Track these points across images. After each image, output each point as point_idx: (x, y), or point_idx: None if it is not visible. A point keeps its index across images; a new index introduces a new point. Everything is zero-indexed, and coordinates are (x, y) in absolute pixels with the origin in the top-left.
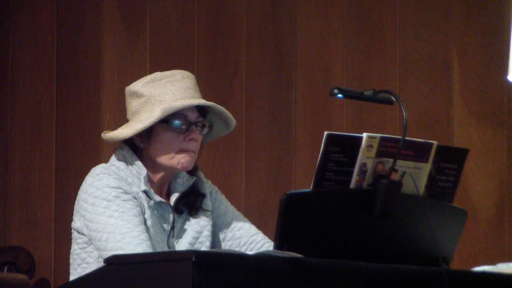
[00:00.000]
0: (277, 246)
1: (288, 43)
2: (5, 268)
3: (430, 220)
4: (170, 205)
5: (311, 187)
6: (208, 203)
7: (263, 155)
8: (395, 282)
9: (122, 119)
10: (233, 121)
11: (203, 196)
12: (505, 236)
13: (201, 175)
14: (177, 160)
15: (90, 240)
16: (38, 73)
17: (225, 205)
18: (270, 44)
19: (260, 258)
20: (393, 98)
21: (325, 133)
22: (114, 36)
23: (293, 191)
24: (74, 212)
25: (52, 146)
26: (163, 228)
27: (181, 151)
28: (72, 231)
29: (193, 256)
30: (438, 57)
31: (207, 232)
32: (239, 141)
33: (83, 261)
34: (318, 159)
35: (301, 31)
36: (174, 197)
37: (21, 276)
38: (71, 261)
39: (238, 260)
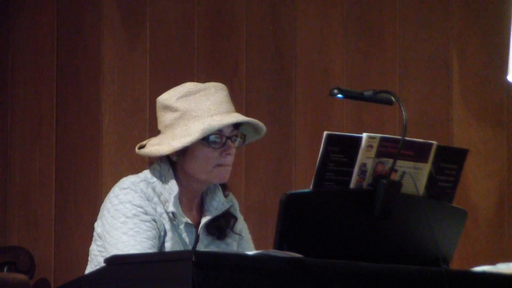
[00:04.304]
0: (277, 246)
1: (288, 43)
2: (5, 268)
3: (430, 220)
4: (195, 227)
5: (311, 187)
6: (239, 227)
7: (263, 155)
8: (395, 282)
9: (122, 119)
10: (264, 129)
11: (235, 219)
12: (505, 236)
13: (236, 204)
14: (215, 174)
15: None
16: (38, 73)
17: (250, 246)
18: (270, 44)
19: (260, 258)
20: (393, 98)
21: (325, 133)
22: (114, 36)
23: (293, 191)
24: (99, 216)
25: (52, 146)
26: (185, 249)
27: (217, 165)
28: (94, 231)
29: (193, 256)
30: (438, 57)
31: None
32: None
33: (99, 264)
34: (318, 159)
35: (301, 31)
36: (204, 220)
37: (21, 276)
38: (89, 259)
39: (238, 260)
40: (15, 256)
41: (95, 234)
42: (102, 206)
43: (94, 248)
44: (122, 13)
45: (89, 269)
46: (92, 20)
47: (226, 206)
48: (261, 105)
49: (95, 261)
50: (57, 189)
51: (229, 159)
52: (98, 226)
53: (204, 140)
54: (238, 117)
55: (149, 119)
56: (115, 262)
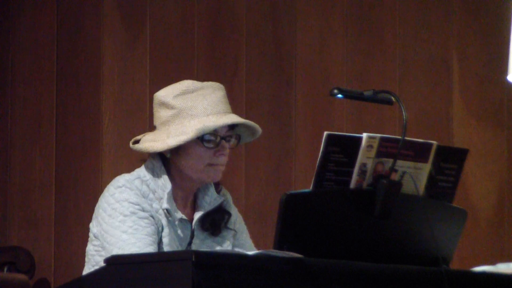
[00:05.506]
0: (277, 246)
1: (288, 43)
2: (5, 268)
3: (430, 220)
4: (190, 222)
5: (311, 187)
6: (233, 219)
7: (263, 155)
8: (395, 282)
9: (122, 119)
10: (260, 131)
11: (229, 215)
12: (505, 236)
13: (229, 198)
14: (206, 173)
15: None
16: (38, 73)
17: (245, 237)
18: (270, 44)
19: (260, 258)
20: (393, 98)
21: (325, 133)
22: (114, 36)
23: (293, 191)
24: (94, 216)
25: (52, 146)
26: (181, 245)
27: (209, 165)
28: (90, 231)
29: (193, 256)
30: (438, 57)
31: None
32: None
33: (97, 263)
34: (318, 159)
35: (301, 31)
36: (197, 215)
37: (21, 276)
38: (86, 259)
39: (238, 260)
40: (15, 256)
41: (91, 234)
42: (97, 206)
43: (90, 249)
44: (122, 13)
45: (87, 269)
46: (92, 20)
47: (219, 201)
48: (261, 105)
49: (93, 261)
50: (57, 189)
51: (222, 159)
52: (94, 226)
53: (198, 139)
54: (233, 119)
55: (149, 119)
56: (115, 262)
